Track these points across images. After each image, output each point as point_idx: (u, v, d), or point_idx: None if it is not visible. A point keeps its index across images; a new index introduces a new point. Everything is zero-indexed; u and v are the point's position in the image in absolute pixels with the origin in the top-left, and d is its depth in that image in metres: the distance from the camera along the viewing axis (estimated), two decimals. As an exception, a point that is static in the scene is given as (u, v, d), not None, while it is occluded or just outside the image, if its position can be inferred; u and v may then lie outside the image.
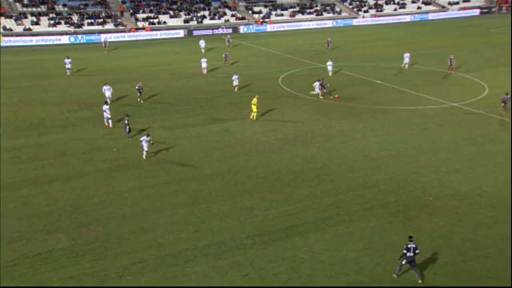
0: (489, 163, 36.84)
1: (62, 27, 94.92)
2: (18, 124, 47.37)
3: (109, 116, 45.95)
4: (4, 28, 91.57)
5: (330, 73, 61.08)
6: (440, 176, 34.81)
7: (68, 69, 65.38)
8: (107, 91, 52.34)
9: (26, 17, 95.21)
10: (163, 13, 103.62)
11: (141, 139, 37.40)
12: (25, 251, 27.27)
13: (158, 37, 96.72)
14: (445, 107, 49.81)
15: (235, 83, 55.64)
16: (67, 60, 65.43)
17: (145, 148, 37.63)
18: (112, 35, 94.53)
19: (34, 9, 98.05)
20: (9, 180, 35.72)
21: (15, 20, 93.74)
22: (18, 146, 41.79)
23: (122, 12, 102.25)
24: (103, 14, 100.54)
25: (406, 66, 65.81)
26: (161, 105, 52.64)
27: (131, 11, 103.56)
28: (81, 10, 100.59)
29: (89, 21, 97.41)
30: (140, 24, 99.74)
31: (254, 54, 79.13)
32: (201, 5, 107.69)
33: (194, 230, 28.65)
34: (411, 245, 23.04)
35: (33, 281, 24.76)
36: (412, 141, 41.03)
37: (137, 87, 53.22)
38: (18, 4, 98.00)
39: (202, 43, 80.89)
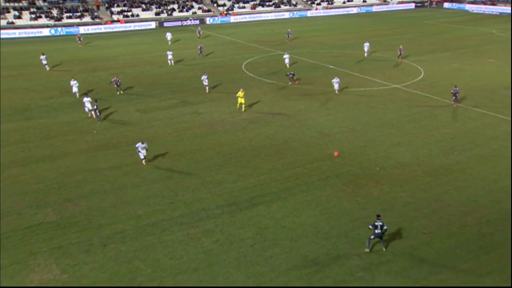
0: (425, 136, 37.82)
1: (43, 20, 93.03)
2: (5, 110, 46.57)
3: (90, 108, 44.05)
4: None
5: (287, 65, 60.02)
6: (385, 149, 35.59)
7: (45, 64, 62.89)
8: (74, 86, 49.60)
9: (9, 12, 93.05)
10: (136, 7, 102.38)
11: (137, 145, 33.37)
12: (17, 225, 27.19)
13: (132, 28, 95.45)
14: (388, 89, 50.58)
15: (205, 83, 50.50)
16: (42, 57, 62.95)
17: (142, 156, 33.58)
18: (90, 27, 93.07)
19: (16, 4, 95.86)
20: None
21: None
22: (5, 130, 41.14)
23: (98, 6, 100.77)
24: (81, 8, 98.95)
25: (366, 54, 65.85)
26: (136, 90, 52.29)
27: (106, 5, 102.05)
28: (60, 5, 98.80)
29: (68, 14, 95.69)
30: (115, 17, 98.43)
31: (219, 43, 78.86)
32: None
33: (169, 203, 28.87)
34: (378, 223, 23.20)
35: (25, 251, 24.74)
36: (360, 119, 41.66)
37: (113, 80, 51.52)
38: (1, 0, 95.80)
39: (168, 36, 79.16)
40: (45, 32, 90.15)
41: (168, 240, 25.25)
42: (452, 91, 43.97)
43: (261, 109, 44.62)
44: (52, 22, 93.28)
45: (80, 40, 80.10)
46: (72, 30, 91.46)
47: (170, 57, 63.42)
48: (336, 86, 48.67)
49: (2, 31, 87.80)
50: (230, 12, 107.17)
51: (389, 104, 45.32)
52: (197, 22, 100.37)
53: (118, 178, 32.17)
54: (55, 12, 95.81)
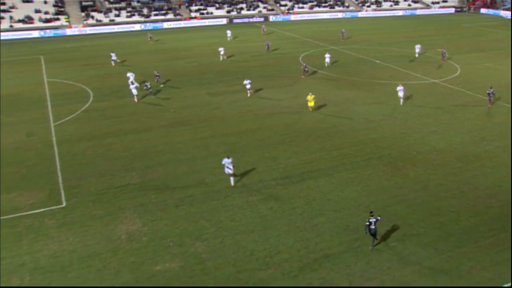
0: (458, 126, 36.28)
1: (136, 17, 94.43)
2: (104, 90, 47.73)
3: (136, 93, 43.58)
4: (96, 20, 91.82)
5: (328, 64, 56.27)
6: (422, 136, 34.43)
7: (113, 60, 59.84)
8: (131, 76, 47.51)
9: (111, 11, 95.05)
10: (211, 6, 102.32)
11: (224, 162, 27.15)
12: (110, 184, 28.08)
13: (206, 24, 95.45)
14: (427, 83, 48.77)
15: (248, 86, 44.20)
16: (112, 54, 60.27)
17: (230, 171, 27.13)
18: (172, 23, 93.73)
19: (116, 5, 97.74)
20: (98, 132, 36.42)
21: (104, 13, 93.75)
22: (103, 107, 42.25)
23: (180, 5, 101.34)
24: (166, 7, 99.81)
25: (417, 55, 61.61)
26: (207, 76, 52.44)
27: (186, 4, 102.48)
28: (150, 5, 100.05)
29: (155, 12, 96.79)
30: (193, 14, 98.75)
31: (280, 37, 77.91)
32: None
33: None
34: (372, 219, 21.06)
35: (116, 205, 25.61)
36: (401, 109, 40.33)
37: (155, 74, 50.05)
38: (106, 2, 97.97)
39: (228, 33, 77.20)
40: (137, 27, 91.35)
41: (230, 205, 25.42)
42: (487, 91, 41.39)
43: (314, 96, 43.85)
44: (142, 18, 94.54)
45: (150, 39, 77.12)
46: (157, 25, 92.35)
47: (222, 52, 60.92)
48: (400, 94, 40.70)
49: (105, 27, 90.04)
50: (290, 11, 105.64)
51: (427, 96, 43.69)
52: (262, 19, 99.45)
53: (190, 150, 32.51)
54: (145, 10, 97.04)
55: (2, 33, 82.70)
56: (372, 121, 37.51)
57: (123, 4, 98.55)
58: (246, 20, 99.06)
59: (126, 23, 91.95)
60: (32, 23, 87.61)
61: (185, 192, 26.74)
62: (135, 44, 74.13)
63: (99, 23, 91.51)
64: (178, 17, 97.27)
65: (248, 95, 44.10)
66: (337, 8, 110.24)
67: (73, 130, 36.92)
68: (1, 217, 24.82)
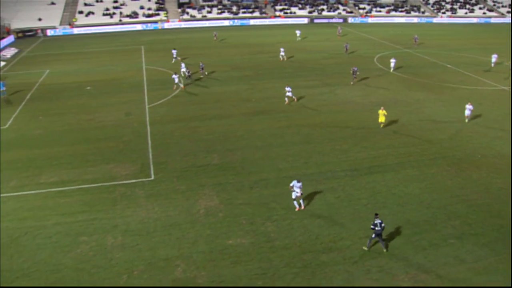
0: (525, 133, 33.71)
1: (226, 14, 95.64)
2: (192, 78, 48.76)
3: (177, 81, 44.25)
4: (191, 15, 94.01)
5: (392, 69, 52.09)
6: (487, 140, 32.26)
7: (175, 57, 57.09)
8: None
9: (204, 8, 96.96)
10: (294, 6, 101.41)
11: (292, 184, 23.29)
12: (193, 163, 28.73)
13: (289, 22, 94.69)
14: (496, 89, 45.63)
15: (289, 94, 39.66)
16: (174, 51, 57.66)
17: (296, 195, 23.30)
18: (258, 20, 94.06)
19: (209, 3, 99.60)
20: (185, 115, 37.34)
21: (197, 10, 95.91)
22: (191, 94, 43.20)
23: (266, 5, 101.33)
24: (253, 6, 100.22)
25: (492, 65, 55.81)
26: (287, 71, 52.12)
27: (272, 4, 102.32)
28: (239, 3, 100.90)
29: (243, 10, 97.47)
30: (277, 13, 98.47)
31: (357, 38, 75.82)
32: (321, 1, 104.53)
33: (304, 162, 28.69)
34: (377, 221, 19.72)
35: (197, 182, 26.22)
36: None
37: (200, 65, 50.01)
38: (200, 0, 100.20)
39: (298, 32, 73.91)
40: (226, 23, 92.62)
41: (300, 190, 25.19)
42: None
43: (385, 96, 42.33)
44: (231, 15, 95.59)
45: (215, 37, 73.37)
46: (245, 22, 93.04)
47: (282, 53, 57.75)
48: (468, 113, 35.45)
49: (198, 22, 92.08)
50: (368, 14, 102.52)
51: (496, 103, 40.82)
52: (341, 20, 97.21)
53: (267, 138, 32.54)
54: (234, 8, 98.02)
55: (113, 26, 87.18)
56: (439, 122, 35.65)
57: (215, 2, 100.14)
58: (326, 20, 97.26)
59: (217, 19, 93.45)
60: (137, 17, 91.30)
61: (260, 176, 26.83)
62: (223, 38, 75.06)
63: (193, 18, 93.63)
64: (264, 15, 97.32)
65: (286, 101, 39.40)
66: (413, 13, 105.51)
67: (164, 112, 38.14)
68: (101, 184, 26.26)
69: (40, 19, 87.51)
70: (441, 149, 30.78)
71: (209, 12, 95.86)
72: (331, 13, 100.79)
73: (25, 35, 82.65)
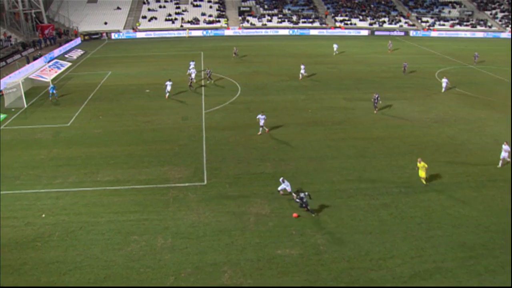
0: None
1: (286, 23, 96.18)
2: (251, 86, 49.37)
3: (169, 90, 44.74)
4: (251, 23, 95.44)
5: (444, 89, 48.47)
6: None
7: (190, 69, 53.42)
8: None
9: (264, 17, 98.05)
10: (355, 17, 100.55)
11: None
12: (246, 170, 28.99)
13: (348, 34, 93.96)
14: None
15: (262, 122, 35.08)
16: (191, 63, 54.06)
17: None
18: (317, 30, 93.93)
19: (269, 11, 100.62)
20: (241, 122, 37.79)
21: (258, 18, 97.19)
22: (248, 101, 43.76)
23: (326, 15, 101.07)
24: (313, 16, 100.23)
25: None
26: (346, 83, 51.58)
27: (332, 14, 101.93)
28: (299, 13, 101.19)
29: (303, 20, 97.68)
30: (337, 24, 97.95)
31: (418, 52, 74.01)
32: (383, 13, 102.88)
33: (358, 176, 28.25)
34: (302, 194, 23.46)
35: (249, 190, 26.47)
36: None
37: (207, 71, 50.59)
38: (261, 8, 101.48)
39: (335, 46, 70.97)
40: (285, 32, 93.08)
41: (352, 205, 24.84)
42: None
43: (445, 112, 41.05)
44: (291, 25, 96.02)
45: (235, 53, 67.07)
46: (304, 31, 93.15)
47: (302, 70, 53.27)
48: (504, 155, 29.81)
49: (258, 30, 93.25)
50: (431, 27, 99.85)
51: None
52: (402, 33, 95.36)
53: (321, 149, 32.33)
54: (294, 18, 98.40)
55: (175, 31, 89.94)
56: (502, 143, 33.93)
57: (275, 11, 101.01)
58: (387, 33, 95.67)
59: (276, 28, 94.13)
60: (197, 23, 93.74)
61: (312, 187, 26.66)
62: (282, 47, 75.57)
63: (253, 26, 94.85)
64: (324, 25, 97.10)
65: (259, 132, 35.48)
66: (479, 27, 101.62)
67: (220, 118, 38.81)
68: (155, 186, 27.07)
69: (105, 23, 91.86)
70: (503, 170, 29.36)
71: (269, 20, 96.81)
72: (392, 26, 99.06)
73: (91, 38, 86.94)
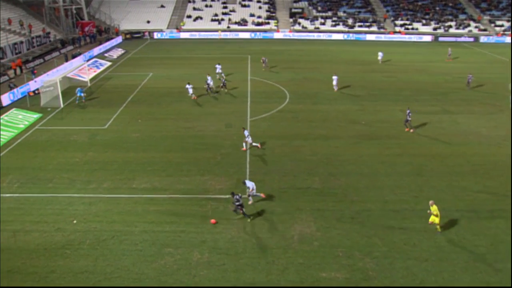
0: None
1: (340, 27, 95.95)
2: (300, 94, 49.54)
3: (191, 93, 47.01)
4: (302, 26, 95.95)
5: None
6: None
7: (217, 73, 55.14)
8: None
9: (317, 19, 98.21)
10: (417, 21, 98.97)
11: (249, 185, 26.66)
12: (292, 184, 29.14)
13: (409, 40, 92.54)
14: None
15: (248, 139, 34.39)
16: (218, 66, 56.14)
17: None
18: (374, 35, 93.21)
19: (323, 14, 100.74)
20: (288, 132, 38.05)
21: (310, 21, 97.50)
22: (297, 110, 43.94)
23: (385, 19, 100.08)
24: (370, 19, 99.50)
25: None
26: (404, 93, 50.78)
27: (392, 18, 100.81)
28: (355, 16, 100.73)
29: (360, 24, 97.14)
30: (397, 29, 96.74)
31: (488, 60, 71.77)
32: (450, 17, 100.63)
33: (414, 196, 27.79)
34: (237, 196, 24.66)
35: (294, 206, 26.57)
36: None
37: (222, 80, 50.20)
38: (313, 10, 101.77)
39: (380, 54, 68.93)
40: (339, 36, 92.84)
41: (407, 228, 24.44)
42: None
43: (518, 129, 39.75)
44: (346, 28, 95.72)
45: (264, 63, 62.67)
46: (360, 36, 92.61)
47: (334, 83, 51.22)
48: None
49: (309, 33, 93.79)
50: (506, 32, 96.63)
51: None
52: (472, 39, 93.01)
53: (374, 165, 32.03)
54: (350, 21, 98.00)
55: (222, 33, 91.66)
56: None
57: (329, 13, 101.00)
58: (453, 39, 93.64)
59: (330, 32, 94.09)
60: (245, 25, 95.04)
61: (363, 206, 26.47)
62: (335, 53, 75.46)
63: (304, 29, 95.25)
64: (382, 30, 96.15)
65: (244, 148, 34.74)
66: None
67: (266, 127, 39.15)
68: (194, 196, 27.60)
69: (148, 22, 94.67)
70: None
71: (323, 24, 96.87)
72: (460, 31, 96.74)
73: (132, 37, 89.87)
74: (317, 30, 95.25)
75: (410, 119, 38.86)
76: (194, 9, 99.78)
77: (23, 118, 41.48)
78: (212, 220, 25.03)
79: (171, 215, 25.65)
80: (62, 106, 45.09)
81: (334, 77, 51.54)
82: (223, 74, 53.99)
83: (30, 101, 46.22)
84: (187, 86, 47.44)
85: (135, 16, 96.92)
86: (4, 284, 20.40)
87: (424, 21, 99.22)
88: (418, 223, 24.79)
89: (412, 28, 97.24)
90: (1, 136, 37.16)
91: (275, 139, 36.54)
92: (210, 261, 21.80)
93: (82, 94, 46.54)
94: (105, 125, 39.99)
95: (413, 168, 31.59)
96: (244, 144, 34.63)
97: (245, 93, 49.61)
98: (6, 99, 45.85)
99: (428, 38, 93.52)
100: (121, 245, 23.01)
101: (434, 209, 23.91)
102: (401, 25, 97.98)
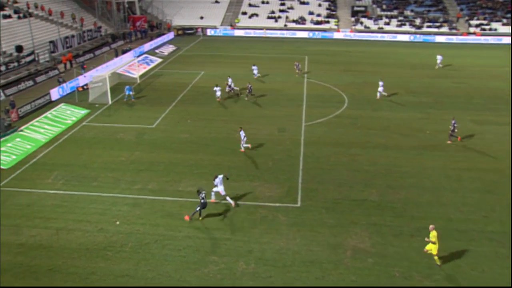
0: None
1: (406, 27, 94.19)
2: (359, 99, 49.05)
3: (219, 95, 47.33)
4: (365, 26, 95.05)
5: None
6: None
7: (254, 74, 56.69)
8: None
9: (381, 19, 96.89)
10: (496, 21, 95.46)
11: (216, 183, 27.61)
12: (347, 195, 28.95)
13: (485, 42, 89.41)
14: None
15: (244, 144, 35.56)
16: (254, 67, 57.42)
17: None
18: (444, 37, 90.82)
19: (388, 13, 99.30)
20: (345, 140, 37.81)
21: (373, 20, 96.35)
22: (355, 116, 43.55)
23: (458, 18, 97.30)
24: (441, 19, 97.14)
25: None
26: (475, 101, 49.33)
27: (466, 17, 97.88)
28: (424, 15, 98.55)
29: (428, 24, 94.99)
30: (471, 30, 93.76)
31: None
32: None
33: (483, 215, 26.84)
34: (202, 195, 25.58)
35: (348, 218, 26.35)
36: None
37: (248, 86, 48.63)
38: (378, 9, 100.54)
39: (439, 58, 65.93)
40: (404, 38, 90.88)
41: (474, 250, 23.64)
42: None
43: None
44: (413, 29, 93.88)
45: (298, 68, 61.65)
46: (428, 38, 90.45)
47: (381, 88, 49.60)
48: None
49: (372, 34, 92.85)
50: None
51: None
52: None
53: (439, 179, 31.25)
54: (417, 21, 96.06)
55: (277, 31, 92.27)
56: None
57: (395, 12, 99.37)
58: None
59: (395, 33, 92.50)
60: (303, 23, 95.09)
61: (424, 223, 25.74)
62: (400, 56, 74.16)
63: (367, 29, 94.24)
64: (454, 31, 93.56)
65: (242, 149, 35.45)
66: None
67: (322, 133, 39.00)
68: (242, 202, 27.88)
69: (202, 18, 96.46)
70: None
71: (387, 23, 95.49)
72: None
73: (184, 33, 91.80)
74: (380, 30, 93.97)
75: (456, 130, 37.63)
76: (250, 5, 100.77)
77: (71, 114, 43.14)
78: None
79: (218, 221, 25.98)
80: (110, 102, 46.58)
81: (380, 83, 50.23)
82: (257, 75, 54.86)
83: (78, 97, 48.01)
84: (215, 88, 47.46)
85: (188, 11, 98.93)
86: (45, 283, 21.25)
87: (504, 21, 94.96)
88: (488, 247, 23.92)
89: (490, 29, 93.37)
90: (49, 131, 38.82)
91: (330, 146, 36.35)
92: (256, 272, 21.91)
93: (131, 93, 47.75)
94: (153, 124, 40.97)
95: (483, 185, 30.58)
96: (242, 145, 35.30)
97: (301, 96, 49.61)
98: (56, 93, 47.85)
99: (508, 40, 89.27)
100: (164, 250, 23.48)
101: (433, 235, 22.05)
102: (477, 26, 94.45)
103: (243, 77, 56.17)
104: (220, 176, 27.57)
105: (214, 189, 27.65)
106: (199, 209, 25.91)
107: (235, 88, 49.78)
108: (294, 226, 25.53)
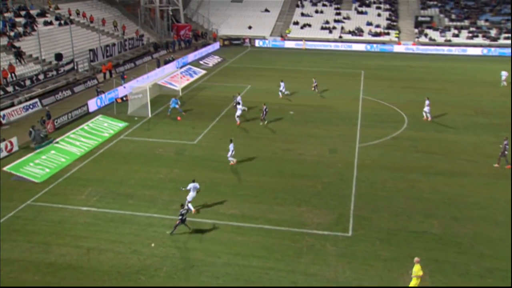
0: None
1: (479, 40, 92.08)
2: (421, 119, 48.11)
3: (238, 114, 45.92)
4: (430, 38, 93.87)
5: None
6: None
7: (280, 91, 55.41)
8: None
9: (449, 30, 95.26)
10: None
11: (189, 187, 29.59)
12: (404, 226, 28.33)
13: None
14: None
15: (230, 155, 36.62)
16: (282, 83, 55.53)
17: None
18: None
19: (458, 23, 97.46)
20: (403, 164, 37.16)
21: (440, 32, 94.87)
22: (416, 138, 42.83)
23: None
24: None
25: None
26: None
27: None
28: (501, 25, 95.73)
29: (506, 35, 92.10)
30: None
31: None
32: None
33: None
34: (184, 211, 26.54)
35: (405, 252, 25.59)
36: None
37: (264, 109, 46.14)
38: (446, 19, 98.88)
39: (504, 74, 63.62)
40: (476, 51, 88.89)
41: (551, 294, 22.66)
42: None
43: None
44: (487, 41, 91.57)
45: (315, 87, 58.79)
46: (505, 51, 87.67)
47: (427, 109, 48.18)
48: None
49: (438, 47, 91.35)
50: None
51: None
52: None
53: (513, 213, 30.21)
54: (493, 32, 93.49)
55: (332, 43, 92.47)
56: None
57: (466, 23, 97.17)
58: None
59: (465, 45, 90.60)
60: (361, 35, 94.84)
61: (495, 263, 24.82)
62: (469, 71, 72.72)
63: (432, 42, 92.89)
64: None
65: (232, 163, 36.62)
66: None
67: (378, 156, 38.51)
68: (287, 229, 27.69)
69: (250, 27, 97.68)
70: None
71: (456, 35, 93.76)
72: None
73: (231, 43, 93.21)
74: (448, 43, 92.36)
75: (507, 152, 36.45)
76: (303, 14, 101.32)
77: (108, 126, 44.18)
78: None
79: (260, 248, 25.83)
80: (150, 115, 47.45)
81: (427, 102, 48.85)
82: (285, 93, 54.67)
83: (117, 108, 49.16)
84: (238, 106, 46.62)
85: (235, 20, 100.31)
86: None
87: None
88: None
89: None
90: (85, 144, 39.82)
91: (387, 170, 35.82)
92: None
93: (177, 106, 48.35)
94: (195, 140, 41.44)
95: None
96: (230, 159, 36.50)
97: (355, 115, 49.26)
98: (93, 104, 49.21)
99: None
100: (201, 277, 23.49)
101: (417, 269, 21.62)
102: None
103: (293, 92, 56.33)
104: (196, 184, 29.63)
105: (189, 198, 29.37)
106: (177, 224, 26.77)
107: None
108: (344, 257, 25.12)
